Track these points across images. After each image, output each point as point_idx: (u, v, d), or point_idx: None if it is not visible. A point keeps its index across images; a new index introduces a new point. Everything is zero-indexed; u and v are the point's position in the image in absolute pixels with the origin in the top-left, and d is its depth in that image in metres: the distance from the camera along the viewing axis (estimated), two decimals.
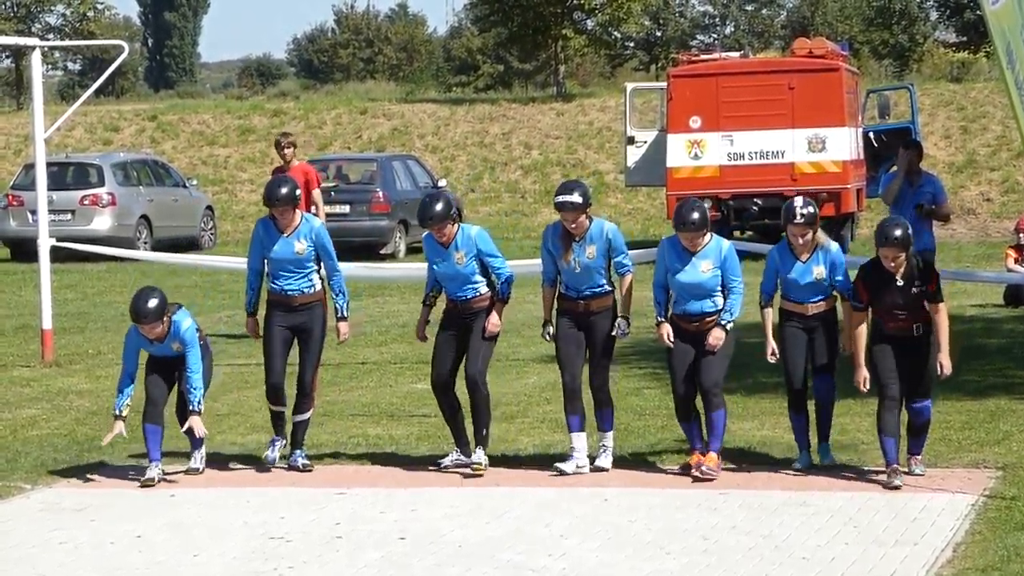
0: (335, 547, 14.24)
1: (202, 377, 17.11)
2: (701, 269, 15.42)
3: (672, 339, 15.83)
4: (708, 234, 15.77)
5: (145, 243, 42.52)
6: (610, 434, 16.48)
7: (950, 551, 13.09)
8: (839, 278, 16.34)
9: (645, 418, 19.71)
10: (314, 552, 14.01)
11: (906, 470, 15.66)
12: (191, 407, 16.89)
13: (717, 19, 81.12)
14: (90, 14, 78.31)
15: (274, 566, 13.51)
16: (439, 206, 16.40)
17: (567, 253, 16.21)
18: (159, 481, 16.80)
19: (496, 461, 17.56)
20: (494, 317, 16.66)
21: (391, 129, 59.23)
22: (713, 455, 15.96)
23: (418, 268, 34.48)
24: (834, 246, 16.63)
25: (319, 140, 58.73)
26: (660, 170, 40.05)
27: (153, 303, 16.67)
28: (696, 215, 15.56)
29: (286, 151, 30.95)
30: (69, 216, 39.49)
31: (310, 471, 17.05)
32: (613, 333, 16.25)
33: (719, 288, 15.67)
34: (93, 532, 15.04)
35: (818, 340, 16.45)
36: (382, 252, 41.64)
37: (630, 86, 46.96)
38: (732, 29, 78.61)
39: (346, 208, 42.88)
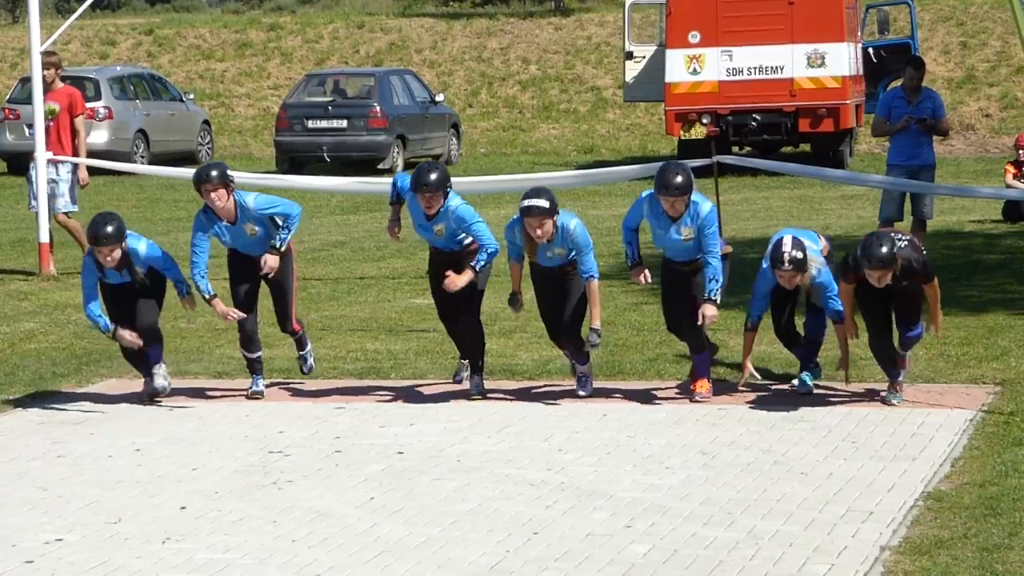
0: (334, 461, 14.31)
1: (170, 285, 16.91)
2: (683, 236, 15.04)
3: (648, 279, 15.83)
4: (688, 203, 15.22)
5: (142, 157, 42.43)
6: (587, 366, 16.25)
7: (948, 466, 13.17)
8: (830, 300, 15.83)
9: (643, 334, 19.76)
10: (313, 466, 14.07)
11: (881, 397, 15.80)
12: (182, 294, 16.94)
13: None
14: None
15: (273, 479, 13.61)
16: (435, 175, 15.97)
17: (533, 254, 15.94)
18: (166, 391, 16.80)
19: (496, 376, 17.62)
20: (458, 278, 16.04)
21: (388, 44, 59.19)
22: (703, 380, 16.04)
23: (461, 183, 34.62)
24: (821, 272, 15.79)
25: (316, 55, 58.66)
26: (659, 85, 40.13)
27: (111, 227, 16.24)
28: (680, 179, 14.96)
29: (46, 72, 28.08)
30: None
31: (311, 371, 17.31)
32: (585, 348, 15.95)
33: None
34: (92, 445, 15.18)
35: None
36: (379, 167, 41.61)
37: (629, 0, 47.03)
38: None
39: (343, 123, 42.90)
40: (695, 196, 15.20)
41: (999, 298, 20.30)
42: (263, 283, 17.09)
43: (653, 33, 41.83)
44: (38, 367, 18.46)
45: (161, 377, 16.92)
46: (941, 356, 17.66)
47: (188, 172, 28.20)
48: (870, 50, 40.72)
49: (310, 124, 43.24)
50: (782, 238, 15.28)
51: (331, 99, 44.78)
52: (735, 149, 31.94)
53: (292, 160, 42.06)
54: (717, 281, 14.92)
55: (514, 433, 15.31)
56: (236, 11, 75.35)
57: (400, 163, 42.94)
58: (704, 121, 37.37)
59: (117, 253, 15.99)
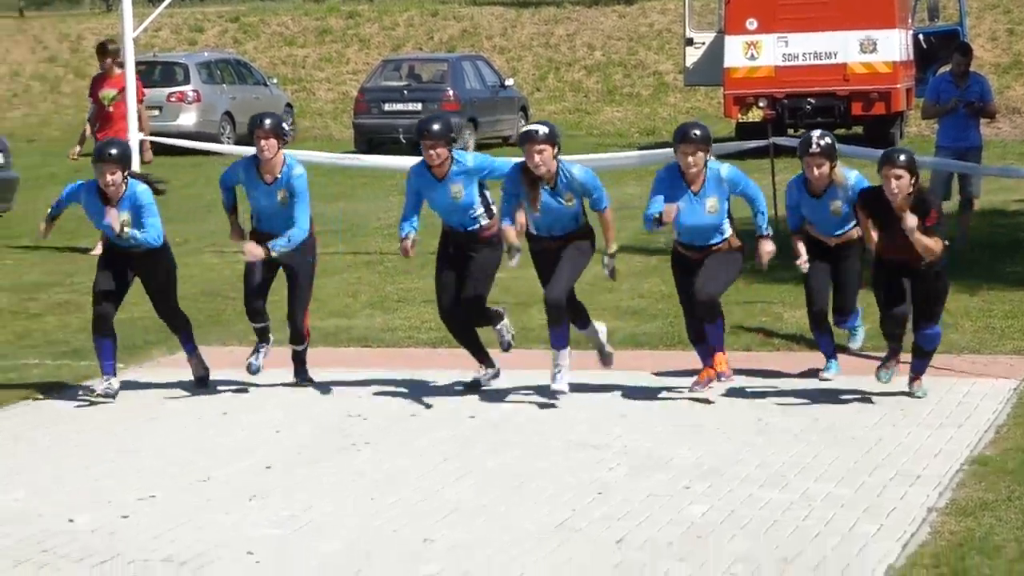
0: (408, 425, 14.47)
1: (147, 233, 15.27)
2: (707, 209, 13.78)
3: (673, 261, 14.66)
4: (707, 162, 13.89)
5: (228, 138, 42.54)
6: (564, 351, 14.56)
7: (992, 432, 13.25)
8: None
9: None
10: (389, 429, 14.26)
11: (908, 391, 14.62)
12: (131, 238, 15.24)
13: None
14: None
15: (352, 442, 13.78)
16: (437, 125, 14.81)
17: (535, 203, 14.41)
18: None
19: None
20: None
21: (461, 31, 59.15)
22: (720, 355, 14.68)
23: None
24: (852, 179, 14.70)
25: (392, 41, 58.62)
26: (718, 70, 40.11)
27: (116, 150, 15.24)
28: (698, 131, 13.69)
29: (104, 60, 27.78)
30: (156, 112, 39.21)
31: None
32: (605, 269, 14.76)
33: (726, 218, 13.99)
34: (183, 408, 15.52)
35: (841, 268, 15.34)
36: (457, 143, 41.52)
37: None
38: None
39: (418, 106, 42.79)
40: (712, 162, 14.13)
41: None
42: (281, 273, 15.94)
43: (712, 20, 41.77)
44: (131, 335, 18.35)
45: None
46: (986, 328, 17.65)
47: (346, 158, 28.12)
48: (920, 36, 40.60)
49: (386, 107, 43.25)
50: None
51: (406, 83, 44.77)
52: (790, 131, 31.68)
53: (369, 141, 41.97)
54: (764, 215, 14.09)
55: (577, 401, 15.16)
56: (317, 0, 75.35)
57: (472, 143, 42.86)
58: (761, 104, 37.23)
59: (118, 177, 14.92)
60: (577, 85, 54.46)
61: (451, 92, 43.67)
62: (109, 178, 14.88)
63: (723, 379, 14.73)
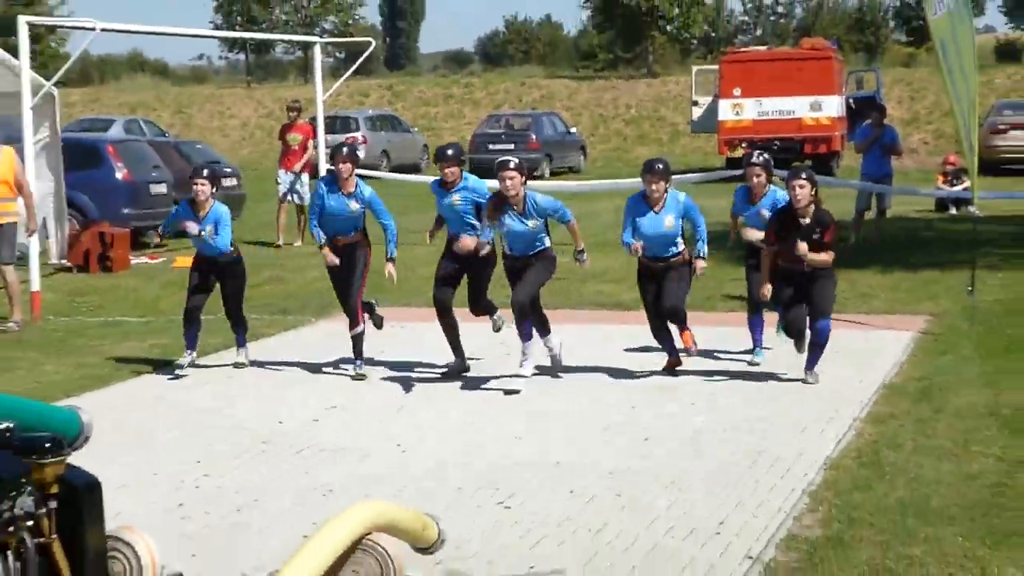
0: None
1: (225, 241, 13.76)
2: (665, 224, 12.39)
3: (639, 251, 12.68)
4: (667, 189, 12.62)
5: (385, 167, 42.61)
6: (529, 343, 12.79)
7: (898, 367, 13.27)
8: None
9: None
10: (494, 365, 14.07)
11: (802, 378, 12.90)
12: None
13: (751, 25, 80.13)
14: (350, 21, 78.51)
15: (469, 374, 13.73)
16: (451, 150, 13.45)
17: (493, 218, 12.76)
18: (191, 363, 14.12)
19: (608, 307, 17.77)
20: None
21: (540, 96, 59.04)
22: (686, 333, 13.16)
23: (558, 185, 34.53)
24: (780, 196, 13.20)
25: (494, 102, 58.53)
26: (713, 122, 40.22)
27: (208, 170, 14.01)
28: (661, 165, 12.65)
29: (291, 113, 27.71)
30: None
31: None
32: (578, 262, 13.08)
33: (679, 236, 12.64)
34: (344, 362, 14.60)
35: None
36: (535, 174, 41.52)
37: (695, 68, 47.35)
38: (760, 32, 77.72)
39: (511, 146, 42.93)
40: (673, 190, 12.79)
41: (933, 261, 20.07)
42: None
43: (710, 88, 41.63)
44: (321, 299, 17.97)
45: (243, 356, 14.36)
46: (895, 299, 17.51)
47: (412, 177, 27.89)
48: (850, 100, 40.51)
49: (490, 147, 43.25)
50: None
51: (504, 131, 44.88)
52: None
53: (477, 171, 42.33)
54: (703, 242, 12.62)
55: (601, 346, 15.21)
56: (444, 75, 75.33)
57: (547, 172, 42.97)
58: (743, 145, 37.24)
59: (207, 189, 13.53)
60: (619, 132, 54.38)
61: (533, 137, 43.94)
62: (200, 188, 13.62)
63: (691, 353, 13.39)
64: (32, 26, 18.35)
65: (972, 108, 17.59)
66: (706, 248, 12.64)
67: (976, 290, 16.90)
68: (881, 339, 14.81)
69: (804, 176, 11.44)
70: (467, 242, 13.01)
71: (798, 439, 10.75)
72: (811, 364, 12.77)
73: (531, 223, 12.52)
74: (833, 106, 38.97)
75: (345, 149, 13.58)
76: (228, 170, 29.64)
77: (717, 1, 75.95)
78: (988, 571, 7.72)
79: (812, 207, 11.98)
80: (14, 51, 19.48)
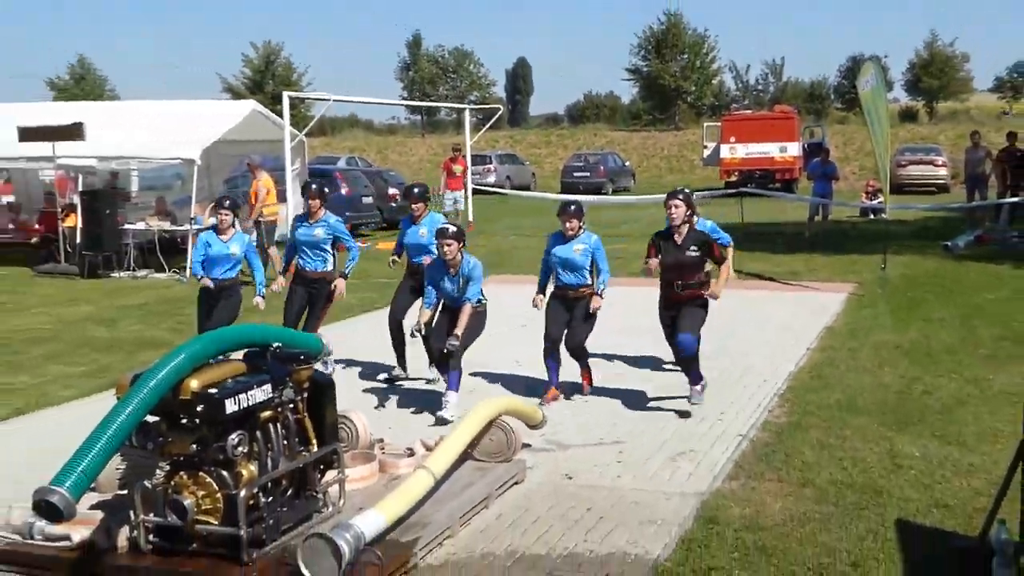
0: None
1: (259, 272, 10.37)
2: (574, 249, 9.19)
3: (545, 304, 9.41)
4: (582, 228, 9.38)
5: (508, 187, 42.42)
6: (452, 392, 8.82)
7: (834, 318, 13.09)
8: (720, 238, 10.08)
9: None
10: None
11: (688, 396, 8.97)
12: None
13: (741, 97, 79.58)
14: (487, 95, 78.89)
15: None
16: (417, 189, 10.24)
17: (435, 277, 9.14)
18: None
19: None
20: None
21: (606, 142, 58.73)
22: (587, 375, 9.73)
23: (618, 199, 34.24)
24: (704, 222, 9.97)
25: (576, 146, 58.19)
26: (717, 158, 39.86)
27: (229, 201, 10.41)
28: (574, 207, 9.36)
29: (455, 152, 26.08)
30: (479, 175, 38.78)
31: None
32: (446, 349, 8.73)
33: (587, 267, 9.31)
34: None
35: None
36: (601, 191, 40.87)
37: (705, 124, 46.89)
38: (747, 101, 77.10)
39: (587, 175, 42.76)
40: (588, 231, 9.46)
41: (857, 248, 19.74)
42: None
43: (715, 137, 41.17)
44: None
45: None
46: (832, 272, 17.04)
47: (524, 193, 27.79)
48: (805, 145, 39.86)
49: (575, 175, 42.98)
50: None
51: (583, 164, 44.30)
52: (749, 186, 31.15)
53: (568, 190, 42.17)
54: (604, 283, 9.34)
55: None
56: (545, 129, 75.14)
57: (610, 190, 42.54)
58: (736, 175, 36.92)
59: (229, 218, 10.14)
60: (656, 165, 54.04)
61: (601, 168, 43.58)
62: (223, 217, 10.23)
63: (584, 392, 9.61)
64: (290, 98, 18.68)
65: (886, 150, 17.66)
66: (605, 287, 9.30)
67: (886, 267, 16.77)
68: (824, 298, 14.55)
69: (680, 197, 8.92)
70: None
71: (771, 360, 10.70)
72: (692, 380, 8.95)
73: (462, 284, 8.96)
74: (794, 149, 38.49)
75: (314, 187, 10.45)
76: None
77: (719, 83, 76.05)
78: (894, 446, 7.76)
79: (686, 226, 8.88)
80: (278, 112, 19.81)
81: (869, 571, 5.61)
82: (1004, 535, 5.42)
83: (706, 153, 43.26)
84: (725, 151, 39.14)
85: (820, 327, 12.38)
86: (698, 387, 8.91)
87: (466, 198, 26.12)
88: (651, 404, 9.16)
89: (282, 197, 20.65)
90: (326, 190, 10.69)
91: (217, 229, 10.27)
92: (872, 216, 26.62)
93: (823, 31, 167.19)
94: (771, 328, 12.53)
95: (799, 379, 9.86)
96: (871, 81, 17.47)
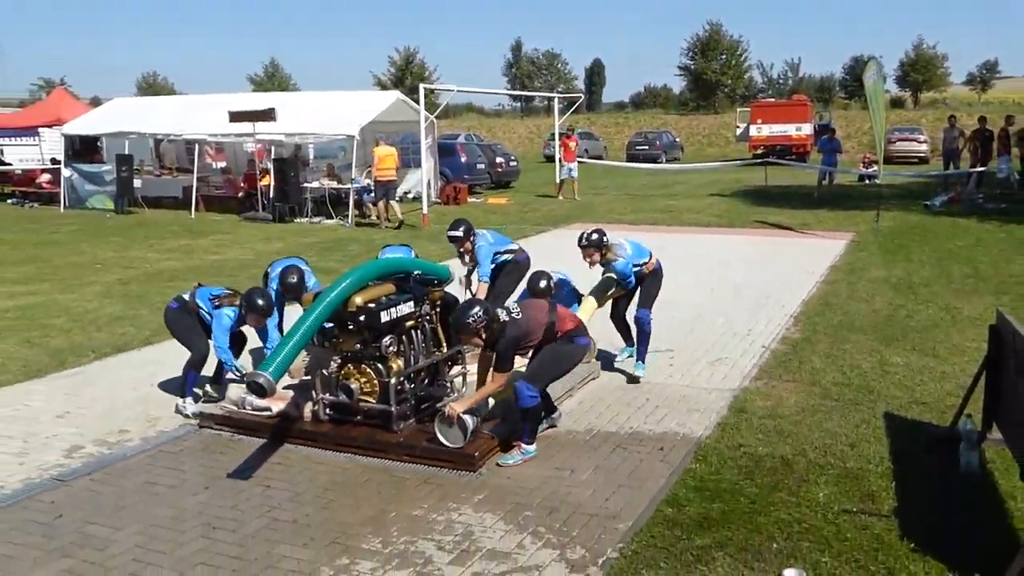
0: None
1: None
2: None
3: None
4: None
5: (585, 157, 41.22)
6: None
7: (837, 259, 12.70)
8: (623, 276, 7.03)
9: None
10: None
11: (632, 371, 7.08)
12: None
13: (766, 88, 77.09)
14: (571, 87, 77.79)
15: None
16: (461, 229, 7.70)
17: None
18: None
19: None
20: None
21: (661, 123, 57.19)
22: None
23: (671, 167, 33.51)
24: (618, 263, 6.98)
25: (639, 126, 56.83)
26: (747, 136, 38.57)
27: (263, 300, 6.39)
28: (543, 282, 6.93)
29: (569, 131, 23.97)
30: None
31: None
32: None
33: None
34: None
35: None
36: (657, 162, 39.67)
37: (739, 110, 45.81)
38: (770, 91, 74.73)
39: (647, 148, 40.99)
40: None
41: (856, 205, 19.04)
42: None
43: (745, 119, 39.92)
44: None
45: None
46: (836, 224, 16.37)
47: (601, 161, 26.98)
48: (816, 126, 38.43)
49: (636, 148, 41.24)
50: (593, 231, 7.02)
51: (643, 139, 42.32)
52: (772, 157, 30.28)
53: (632, 158, 40.95)
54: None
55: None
56: (613, 112, 73.67)
57: (664, 159, 40.85)
58: (761, 148, 35.78)
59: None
60: (699, 141, 52.61)
61: (658, 143, 42.21)
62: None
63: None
64: (425, 89, 18.61)
65: (882, 129, 16.93)
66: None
67: (879, 220, 16.18)
68: (829, 243, 14.12)
69: (588, 245, 6.90)
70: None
71: (787, 291, 10.43)
72: (639, 356, 7.06)
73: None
74: (807, 128, 37.02)
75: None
76: (513, 157, 29.61)
77: (749, 78, 73.73)
78: (883, 356, 7.54)
79: (602, 265, 6.98)
80: (416, 100, 19.78)
81: (863, 450, 5.49)
82: (970, 426, 5.27)
83: (738, 132, 42.12)
84: (753, 130, 37.88)
85: (826, 266, 12.03)
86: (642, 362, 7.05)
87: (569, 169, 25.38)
88: (695, 324, 9.02)
89: (417, 163, 20.78)
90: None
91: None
92: (867, 181, 25.68)
93: (831, 36, 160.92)
94: (788, 266, 12.23)
95: (810, 305, 9.60)
96: (873, 76, 16.79)
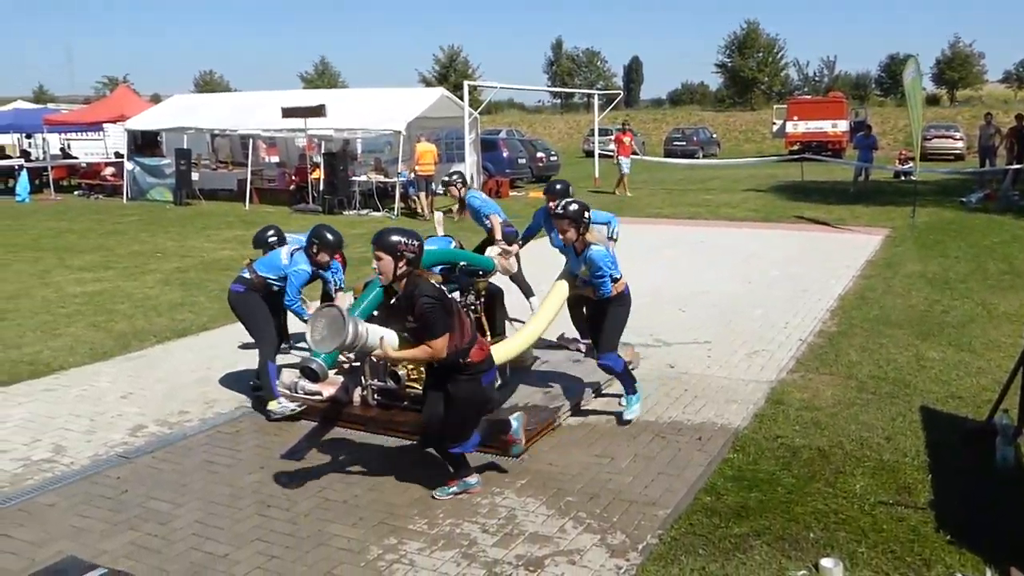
0: None
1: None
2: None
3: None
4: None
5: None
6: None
7: (873, 254, 12.47)
8: (597, 278, 5.53)
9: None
10: None
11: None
12: None
13: (802, 85, 75.76)
14: (609, 83, 77.27)
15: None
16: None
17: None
18: None
19: None
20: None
21: (698, 119, 56.71)
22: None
23: (708, 162, 33.07)
24: (595, 249, 5.52)
25: (676, 122, 56.41)
26: (783, 132, 37.95)
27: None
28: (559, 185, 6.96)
29: (624, 126, 23.16)
30: (603, 144, 37.79)
31: None
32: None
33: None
34: None
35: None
36: (695, 156, 39.47)
37: (775, 106, 44.84)
38: (806, 89, 73.45)
39: (685, 144, 40.66)
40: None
41: (891, 201, 18.66)
42: None
43: (782, 116, 39.27)
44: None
45: None
46: (873, 219, 16.10)
47: (639, 157, 26.63)
48: (852, 123, 37.71)
49: (674, 144, 41.02)
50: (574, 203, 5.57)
51: (680, 135, 41.91)
52: (808, 154, 29.85)
53: (668, 154, 40.71)
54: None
55: None
56: (651, 108, 73.02)
57: (701, 155, 40.55)
58: (798, 144, 35.15)
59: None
60: (736, 137, 51.99)
61: (695, 138, 41.65)
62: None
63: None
64: (469, 86, 18.62)
65: (919, 126, 16.62)
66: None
67: (915, 216, 15.87)
68: (865, 239, 13.88)
69: (566, 217, 5.51)
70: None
71: (824, 286, 10.26)
72: (627, 390, 5.83)
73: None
74: (843, 125, 36.31)
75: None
76: (553, 152, 29.53)
77: (785, 75, 72.69)
78: (919, 351, 7.40)
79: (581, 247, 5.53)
80: (460, 97, 19.77)
81: (899, 443, 5.39)
82: (1006, 420, 5.16)
83: (774, 128, 41.40)
84: (790, 127, 37.31)
85: (862, 260, 11.81)
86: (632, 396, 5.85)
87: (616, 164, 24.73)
88: (733, 316, 8.92)
89: (460, 158, 20.80)
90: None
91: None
92: (903, 178, 25.19)
93: (867, 34, 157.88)
94: (824, 260, 12.03)
95: (846, 299, 9.44)
96: (912, 73, 16.47)
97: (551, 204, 6.79)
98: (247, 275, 6.04)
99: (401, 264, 4.36)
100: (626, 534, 4.31)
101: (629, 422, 5.76)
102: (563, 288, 5.82)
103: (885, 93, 71.40)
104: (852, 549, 4.10)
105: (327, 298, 6.41)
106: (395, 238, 4.36)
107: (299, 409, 5.96)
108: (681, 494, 4.71)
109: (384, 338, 4.29)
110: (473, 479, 4.84)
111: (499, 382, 5.82)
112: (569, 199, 5.70)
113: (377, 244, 4.37)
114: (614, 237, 6.88)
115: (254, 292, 5.97)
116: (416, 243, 4.39)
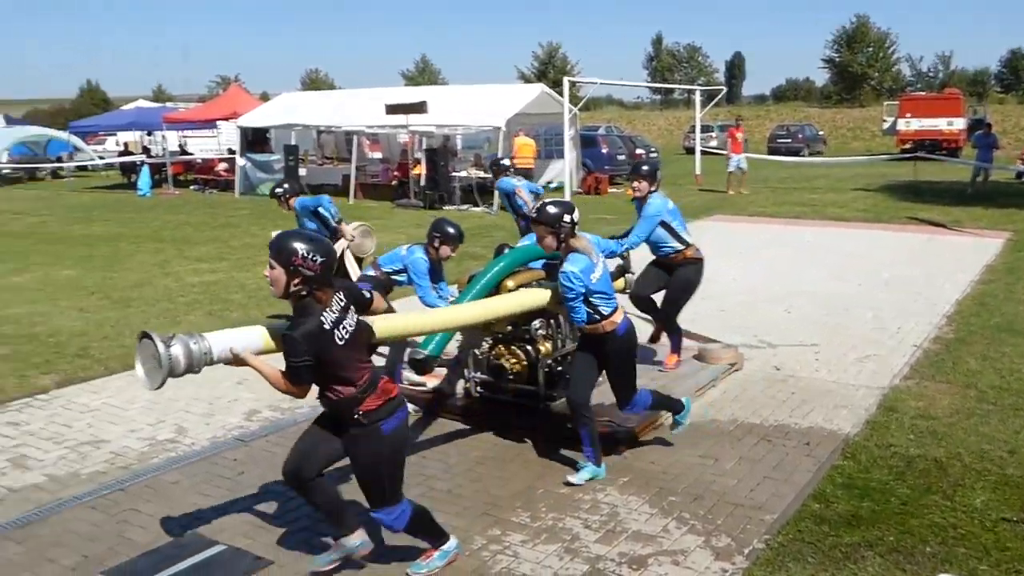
0: None
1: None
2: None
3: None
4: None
5: (724, 150, 40.30)
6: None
7: (993, 258, 11.88)
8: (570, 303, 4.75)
9: None
10: None
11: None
12: None
13: (915, 82, 72.65)
14: (711, 79, 75.87)
15: None
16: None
17: None
18: None
19: None
20: None
21: (804, 116, 54.98)
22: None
23: (814, 160, 32.07)
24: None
25: (780, 119, 54.81)
26: (895, 130, 36.41)
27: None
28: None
29: (738, 122, 21.96)
30: (704, 141, 37.12)
31: None
32: None
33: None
34: None
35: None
36: (799, 154, 38.36)
37: (886, 103, 43.13)
38: (920, 85, 70.37)
39: (790, 140, 39.72)
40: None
41: (1012, 203, 17.67)
42: None
43: (893, 113, 37.73)
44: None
45: None
46: (993, 221, 15.33)
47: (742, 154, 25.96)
48: (970, 121, 35.95)
49: (778, 140, 40.07)
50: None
51: (785, 132, 40.75)
52: (920, 152, 28.64)
53: (772, 152, 39.72)
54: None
55: None
56: (753, 105, 71.26)
57: (807, 153, 39.25)
58: (910, 142, 33.70)
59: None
60: (844, 135, 50.23)
61: (800, 136, 39.96)
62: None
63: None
64: (569, 82, 18.59)
65: None
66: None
67: None
68: (984, 242, 13.26)
69: (642, 172, 6.02)
70: None
71: (939, 290, 9.84)
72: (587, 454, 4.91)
73: None
74: (959, 123, 34.69)
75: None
76: (653, 148, 29.20)
77: (897, 71, 69.75)
78: None
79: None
80: (559, 93, 19.73)
81: None
82: None
83: (885, 126, 39.84)
84: (901, 124, 35.84)
85: (981, 265, 11.27)
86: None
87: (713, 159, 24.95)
88: (842, 318, 8.64)
89: (559, 154, 20.76)
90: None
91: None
92: None
93: (986, 28, 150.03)
94: (940, 263, 11.53)
95: (964, 305, 9.02)
96: None
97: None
98: (372, 272, 6.07)
99: (296, 282, 3.38)
100: (731, 537, 4.23)
101: (570, 483, 4.74)
102: (538, 295, 5.08)
103: (1006, 89, 67.92)
104: (973, 566, 3.92)
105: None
106: (294, 245, 3.34)
107: (418, 412, 5.91)
108: (789, 499, 4.59)
109: (235, 348, 3.60)
110: (451, 544, 3.94)
111: (414, 415, 5.23)
112: (549, 200, 4.80)
113: (271, 249, 3.37)
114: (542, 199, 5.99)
115: (380, 289, 5.56)
116: (319, 260, 3.36)
